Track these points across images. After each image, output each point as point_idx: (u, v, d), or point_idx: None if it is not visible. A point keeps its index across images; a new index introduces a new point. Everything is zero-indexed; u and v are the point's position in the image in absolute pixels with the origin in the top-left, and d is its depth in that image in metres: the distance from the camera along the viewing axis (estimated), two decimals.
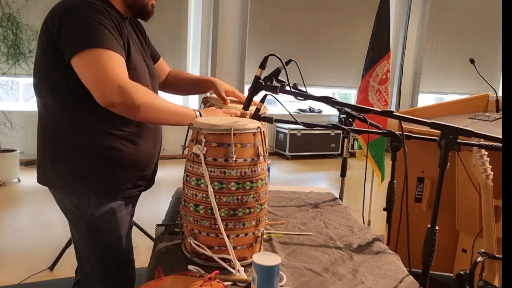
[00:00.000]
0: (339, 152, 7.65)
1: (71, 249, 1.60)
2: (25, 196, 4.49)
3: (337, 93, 8.59)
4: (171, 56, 6.38)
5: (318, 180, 6.16)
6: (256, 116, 1.35)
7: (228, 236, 1.14)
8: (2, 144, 4.95)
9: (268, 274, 0.97)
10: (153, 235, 1.40)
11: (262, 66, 1.23)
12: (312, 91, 8.48)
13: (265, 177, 1.22)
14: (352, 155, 7.96)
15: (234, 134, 1.13)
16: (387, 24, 3.37)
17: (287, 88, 1.20)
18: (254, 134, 1.17)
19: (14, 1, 4.68)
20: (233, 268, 1.14)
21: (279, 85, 1.20)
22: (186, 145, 1.23)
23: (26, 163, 5.49)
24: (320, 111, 8.13)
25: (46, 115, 1.37)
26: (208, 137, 1.15)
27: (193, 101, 6.71)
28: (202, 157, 1.13)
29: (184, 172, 1.22)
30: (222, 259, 1.16)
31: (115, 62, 1.24)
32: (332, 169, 6.80)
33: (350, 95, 8.90)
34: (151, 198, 4.27)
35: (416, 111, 2.86)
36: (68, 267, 2.87)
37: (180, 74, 1.83)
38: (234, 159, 1.13)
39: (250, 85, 1.25)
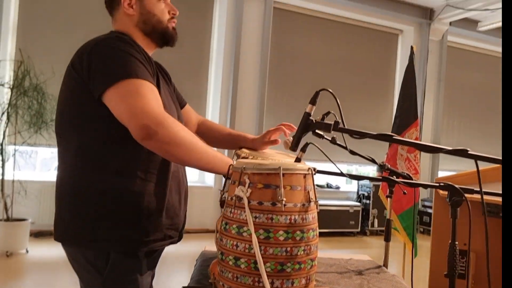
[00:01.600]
0: (359, 229, 7.33)
1: None
2: (32, 268, 4.25)
3: (355, 170, 8.45)
4: (190, 101, 6.38)
5: None
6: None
7: None
8: (15, 213, 4.81)
9: None
10: None
11: (313, 101, 1.12)
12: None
13: (316, 227, 1.06)
14: (372, 233, 7.69)
15: (283, 174, 0.99)
16: (414, 92, 3.33)
17: (340, 126, 1.08)
18: (305, 176, 1.03)
19: (42, 73, 4.81)
20: None
21: (332, 123, 1.08)
22: (225, 189, 1.08)
23: (36, 234, 5.29)
24: (338, 187, 7.94)
25: (66, 164, 1.25)
26: (253, 178, 1.00)
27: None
28: (245, 200, 0.98)
29: (223, 221, 1.06)
30: None
31: (154, 94, 1.17)
32: (354, 247, 6.45)
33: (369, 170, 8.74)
34: (165, 270, 4.00)
35: (455, 177, 2.70)
36: None
37: (216, 126, 1.73)
38: (284, 202, 0.97)
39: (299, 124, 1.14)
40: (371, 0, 7.27)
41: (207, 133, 1.69)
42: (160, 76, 1.36)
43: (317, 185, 7.97)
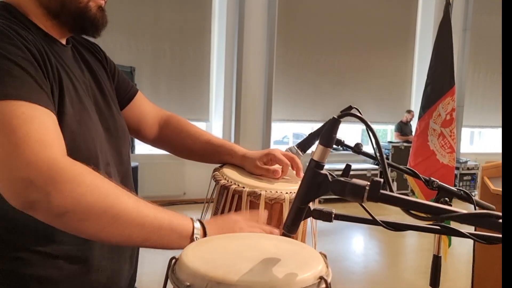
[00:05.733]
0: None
1: None
2: None
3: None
4: (193, 92, 5.88)
5: (358, 229, 5.38)
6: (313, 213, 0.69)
7: None
8: None
9: None
10: None
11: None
12: (347, 126, 7.82)
13: None
14: None
15: None
16: (450, 53, 2.71)
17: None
18: None
19: None
20: None
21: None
22: None
23: None
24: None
25: None
26: None
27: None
28: None
29: None
30: None
31: (36, 125, 0.65)
32: (372, 213, 6.01)
33: (386, 131, 8.16)
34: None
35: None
36: None
37: (189, 129, 1.17)
38: None
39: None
40: None
41: (174, 139, 1.16)
42: (71, 73, 0.82)
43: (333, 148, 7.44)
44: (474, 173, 7.42)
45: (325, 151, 0.56)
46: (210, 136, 1.16)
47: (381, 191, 0.53)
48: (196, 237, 0.75)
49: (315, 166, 0.56)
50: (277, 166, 1.08)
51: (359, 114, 0.55)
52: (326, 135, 0.56)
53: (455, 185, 3.19)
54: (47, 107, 0.68)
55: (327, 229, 4.47)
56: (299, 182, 1.09)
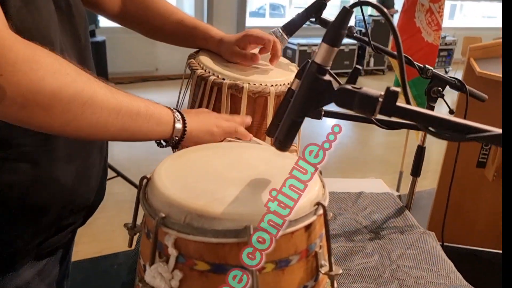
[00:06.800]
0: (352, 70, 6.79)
1: None
2: None
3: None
4: None
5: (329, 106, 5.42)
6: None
7: None
8: None
9: None
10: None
11: None
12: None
13: None
14: (367, 73, 7.19)
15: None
16: None
17: None
18: (308, 228, 0.45)
19: None
20: None
21: None
22: None
23: None
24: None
25: None
26: (187, 248, 0.43)
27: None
28: None
29: None
30: None
31: None
32: None
33: None
34: None
35: (495, 45, 2.05)
36: None
37: (158, 5, 1.00)
38: None
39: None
40: None
41: (140, 17, 0.98)
42: None
43: (311, 21, 7.09)
44: (451, 49, 7.35)
45: (330, 52, 0.45)
46: (183, 15, 0.99)
47: (398, 103, 0.43)
48: (177, 127, 0.67)
49: (317, 70, 0.45)
50: (255, 51, 0.96)
51: (374, 2, 0.42)
52: (334, 29, 0.44)
53: None
54: None
55: None
56: (288, 72, 0.99)
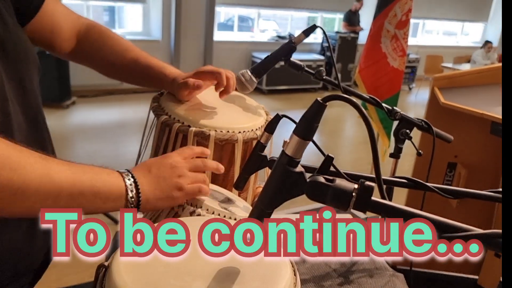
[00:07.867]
0: (320, 85, 6.89)
1: None
2: None
3: (320, 18, 7.59)
4: None
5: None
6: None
7: None
8: None
9: None
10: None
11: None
12: (294, 14, 7.45)
13: None
14: (334, 89, 7.28)
15: None
16: None
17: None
18: None
19: None
20: None
21: None
22: None
23: None
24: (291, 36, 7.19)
25: None
26: None
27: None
28: None
29: None
30: None
31: None
32: None
33: (334, 20, 7.91)
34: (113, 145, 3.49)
35: (459, 76, 2.11)
36: None
37: (114, 42, 0.95)
38: None
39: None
40: None
41: (94, 55, 0.93)
42: None
43: (279, 37, 7.18)
44: (414, 66, 7.58)
45: (302, 144, 0.42)
46: (138, 53, 0.95)
47: (373, 198, 0.41)
48: (130, 197, 0.61)
49: (288, 162, 0.42)
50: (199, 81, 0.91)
51: (348, 97, 0.40)
52: (306, 123, 0.41)
53: None
54: None
55: None
56: (256, 117, 0.96)
